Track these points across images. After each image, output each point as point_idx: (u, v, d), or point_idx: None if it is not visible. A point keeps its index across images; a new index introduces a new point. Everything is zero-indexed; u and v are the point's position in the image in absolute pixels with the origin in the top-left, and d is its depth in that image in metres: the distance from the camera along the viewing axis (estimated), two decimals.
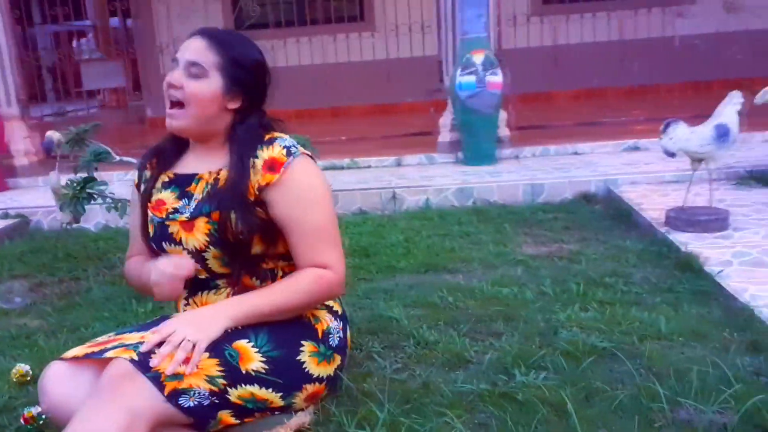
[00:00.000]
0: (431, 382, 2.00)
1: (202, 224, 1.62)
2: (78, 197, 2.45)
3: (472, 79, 4.42)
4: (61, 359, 1.55)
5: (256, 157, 1.63)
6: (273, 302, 1.61)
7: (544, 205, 4.02)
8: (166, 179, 1.73)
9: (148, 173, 1.79)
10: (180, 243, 1.65)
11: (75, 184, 2.48)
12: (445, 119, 4.96)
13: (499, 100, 4.52)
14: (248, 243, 1.62)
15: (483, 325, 2.41)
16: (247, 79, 1.66)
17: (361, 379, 2.03)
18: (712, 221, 3.16)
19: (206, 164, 1.70)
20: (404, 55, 7.28)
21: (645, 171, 4.28)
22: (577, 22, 7.11)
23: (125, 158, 2.65)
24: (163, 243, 1.68)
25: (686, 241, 3.03)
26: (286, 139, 1.67)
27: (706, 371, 1.91)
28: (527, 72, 6.38)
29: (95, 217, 4.04)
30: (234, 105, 1.66)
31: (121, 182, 3.32)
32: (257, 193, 1.61)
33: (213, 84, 1.62)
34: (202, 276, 1.68)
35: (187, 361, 1.46)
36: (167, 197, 1.70)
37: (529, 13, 7.08)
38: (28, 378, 2.09)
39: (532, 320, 2.40)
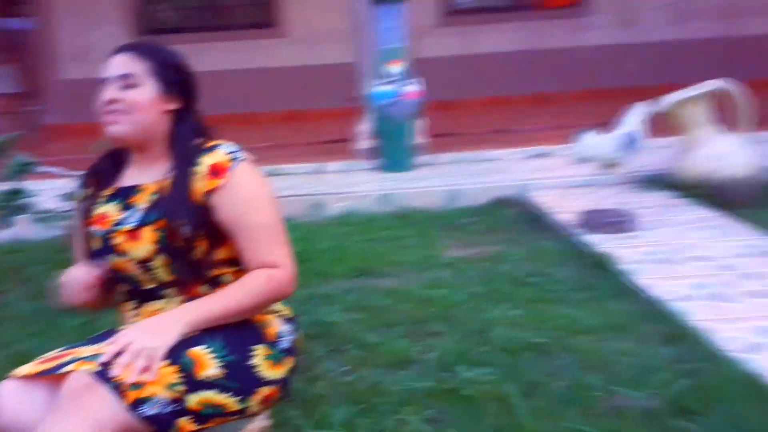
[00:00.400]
0: (379, 382, 2.08)
1: (148, 233, 1.63)
2: (6, 209, 2.35)
3: (390, 88, 4.55)
4: (12, 377, 1.52)
5: (200, 164, 1.66)
6: (227, 305, 1.64)
7: (463, 210, 4.17)
8: (109, 193, 1.75)
9: (89, 191, 1.80)
10: (125, 254, 1.66)
11: (2, 196, 2.38)
12: (364, 127, 5.05)
13: (416, 109, 4.67)
14: (195, 248, 1.65)
15: (421, 326, 2.51)
16: (180, 79, 1.72)
17: (311, 383, 2.08)
18: (622, 223, 3.40)
19: (148, 175, 1.72)
20: (318, 62, 7.34)
21: (555, 176, 4.53)
22: (487, 32, 7.41)
23: (49, 169, 2.57)
24: (109, 256, 1.68)
25: (599, 241, 3.25)
26: (229, 145, 1.72)
27: (632, 361, 2.09)
28: (438, 81, 6.59)
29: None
30: (172, 106, 1.71)
31: (42, 192, 3.21)
32: (203, 198, 1.65)
33: (149, 89, 1.67)
34: (150, 286, 1.69)
35: (146, 369, 1.47)
36: (110, 210, 1.71)
37: (438, 23, 7.31)
38: None
39: (467, 319, 2.53)
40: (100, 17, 7.11)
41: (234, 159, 1.67)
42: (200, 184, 1.64)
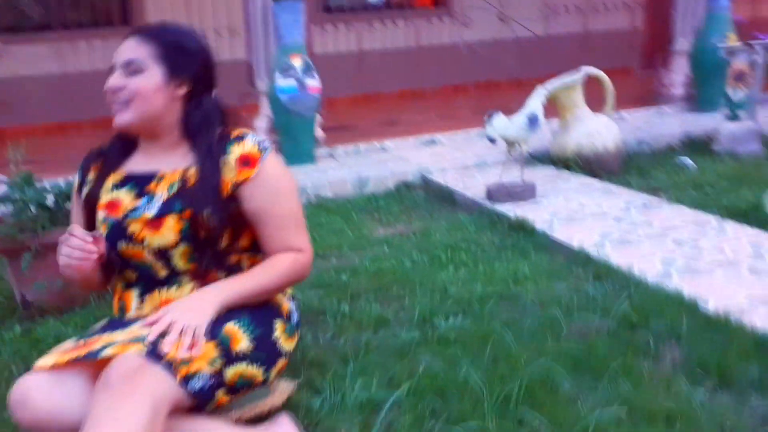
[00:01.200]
0: (369, 341, 2.28)
1: (172, 222, 1.64)
2: None
3: (292, 82, 4.69)
4: (39, 369, 1.49)
5: (228, 153, 1.66)
6: (257, 285, 1.70)
7: (374, 195, 4.44)
8: (119, 179, 1.73)
9: (92, 175, 1.77)
10: (141, 243, 1.65)
11: None
12: (261, 122, 5.15)
13: (317, 103, 4.86)
14: (219, 238, 1.68)
15: (384, 292, 2.73)
16: (189, 62, 1.67)
17: (305, 351, 2.22)
18: (525, 192, 3.85)
19: (166, 162, 1.70)
20: None
21: (449, 160, 4.93)
22: (363, 31, 7.74)
23: None
24: (120, 243, 1.68)
25: (509, 209, 3.67)
26: (255, 135, 1.74)
27: (577, 296, 2.49)
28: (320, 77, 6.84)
29: None
30: (181, 91, 1.67)
31: None
32: (232, 189, 1.66)
33: (153, 75, 1.63)
34: (163, 274, 1.69)
35: (192, 346, 1.52)
36: (123, 197, 1.69)
37: (314, 20, 7.51)
38: None
39: (423, 282, 2.79)
40: None
41: (263, 149, 1.70)
42: (229, 174, 1.66)
